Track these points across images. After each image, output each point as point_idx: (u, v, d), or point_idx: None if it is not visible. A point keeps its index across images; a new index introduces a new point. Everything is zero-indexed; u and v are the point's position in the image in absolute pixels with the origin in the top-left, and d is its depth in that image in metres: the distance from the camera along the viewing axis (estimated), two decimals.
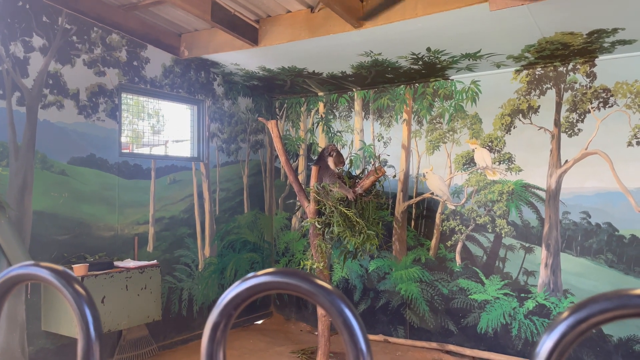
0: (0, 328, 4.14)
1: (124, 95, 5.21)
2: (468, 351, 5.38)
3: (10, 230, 4.04)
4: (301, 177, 6.62)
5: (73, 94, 4.66)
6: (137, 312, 4.57)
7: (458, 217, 5.58)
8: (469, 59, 5.06)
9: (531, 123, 5.20)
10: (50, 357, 4.45)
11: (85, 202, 4.74)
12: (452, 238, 5.61)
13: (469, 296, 5.48)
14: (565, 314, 0.68)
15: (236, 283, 0.61)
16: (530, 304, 5.14)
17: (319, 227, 5.03)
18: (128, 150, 5.45)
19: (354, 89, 6.30)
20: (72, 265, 4.23)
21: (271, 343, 5.90)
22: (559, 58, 4.92)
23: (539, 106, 5.16)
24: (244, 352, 5.54)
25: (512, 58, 4.98)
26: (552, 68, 5.09)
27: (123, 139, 5.24)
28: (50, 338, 4.44)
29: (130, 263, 4.69)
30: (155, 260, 4.95)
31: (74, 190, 4.65)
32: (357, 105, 6.30)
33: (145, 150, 6.09)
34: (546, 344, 0.67)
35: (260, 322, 6.78)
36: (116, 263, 4.63)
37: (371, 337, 5.85)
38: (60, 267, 0.64)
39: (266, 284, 0.58)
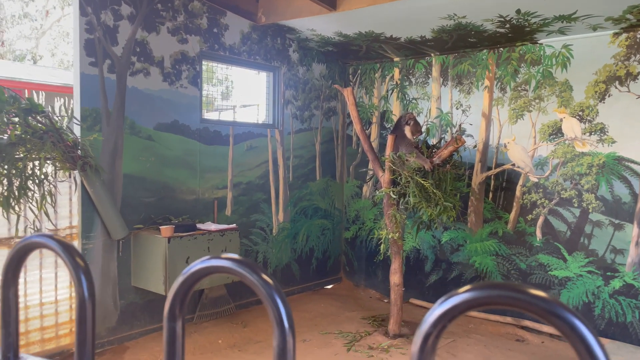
0: (96, 282, 4.46)
1: (203, 62, 5.30)
2: (545, 328, 5.22)
3: (104, 192, 4.28)
4: (374, 145, 6.53)
5: (158, 61, 4.79)
6: None
7: (541, 190, 5.33)
8: (562, 22, 4.70)
9: (629, 91, 4.80)
10: (138, 311, 4.76)
11: (170, 167, 4.94)
12: (533, 212, 5.38)
13: (549, 272, 5.27)
14: None
15: (447, 295, 0.57)
16: (617, 284, 4.88)
17: (394, 197, 4.97)
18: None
19: (432, 54, 6.06)
20: (160, 227, 4.45)
21: (342, 308, 6.01)
22: None
23: (638, 73, 4.75)
24: (315, 315, 5.68)
25: (612, 20, 4.58)
26: None
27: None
28: (139, 293, 4.74)
29: (211, 226, 4.87)
30: (235, 224, 5.12)
31: (160, 155, 4.85)
32: (435, 71, 6.07)
33: (214, 115, 6.22)
34: None
35: (330, 286, 6.90)
36: (198, 225, 4.83)
37: None
38: (248, 260, 0.64)
39: (498, 297, 0.54)
